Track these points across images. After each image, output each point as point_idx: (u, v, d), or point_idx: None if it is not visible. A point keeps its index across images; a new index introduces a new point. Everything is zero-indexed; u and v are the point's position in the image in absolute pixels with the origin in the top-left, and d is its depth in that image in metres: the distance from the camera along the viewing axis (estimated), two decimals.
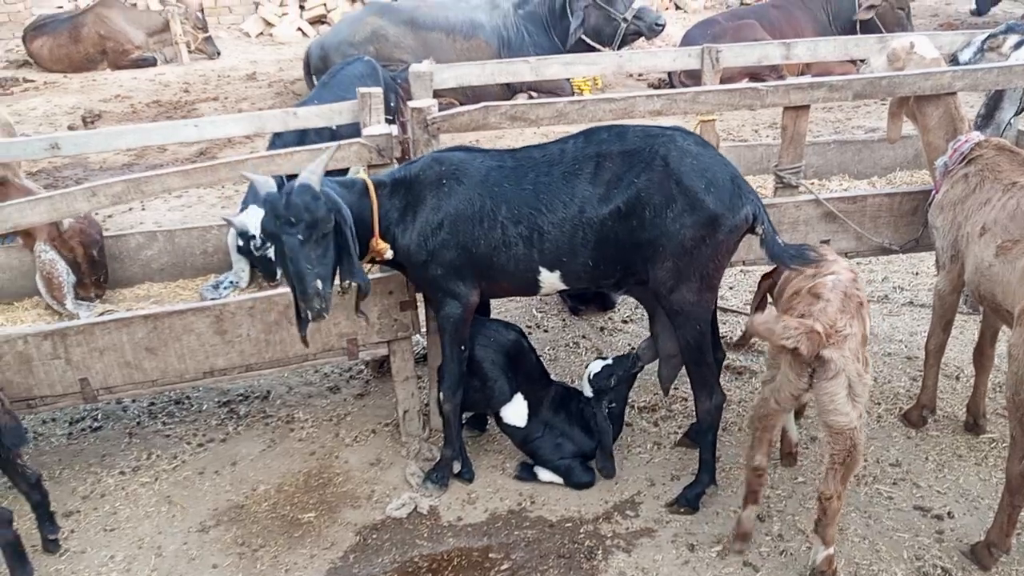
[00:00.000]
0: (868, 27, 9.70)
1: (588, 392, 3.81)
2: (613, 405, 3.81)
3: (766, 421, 3.23)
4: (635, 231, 3.31)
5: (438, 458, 3.85)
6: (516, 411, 3.81)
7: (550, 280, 3.53)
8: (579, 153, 3.42)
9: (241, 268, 4.50)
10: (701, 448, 3.67)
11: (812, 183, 4.58)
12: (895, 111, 4.09)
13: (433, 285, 3.57)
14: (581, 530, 3.57)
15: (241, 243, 4.43)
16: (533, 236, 3.41)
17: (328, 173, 4.65)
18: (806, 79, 4.28)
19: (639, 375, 3.92)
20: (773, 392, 3.16)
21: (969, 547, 3.34)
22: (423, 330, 4.30)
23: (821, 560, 3.16)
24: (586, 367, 3.89)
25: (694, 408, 4.16)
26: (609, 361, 3.83)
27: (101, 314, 4.25)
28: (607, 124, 3.59)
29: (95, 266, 4.48)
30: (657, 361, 3.92)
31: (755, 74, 8.80)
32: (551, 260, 3.45)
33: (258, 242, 4.35)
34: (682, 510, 3.61)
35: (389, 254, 3.51)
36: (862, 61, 4.60)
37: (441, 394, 3.72)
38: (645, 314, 5.25)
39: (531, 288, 3.61)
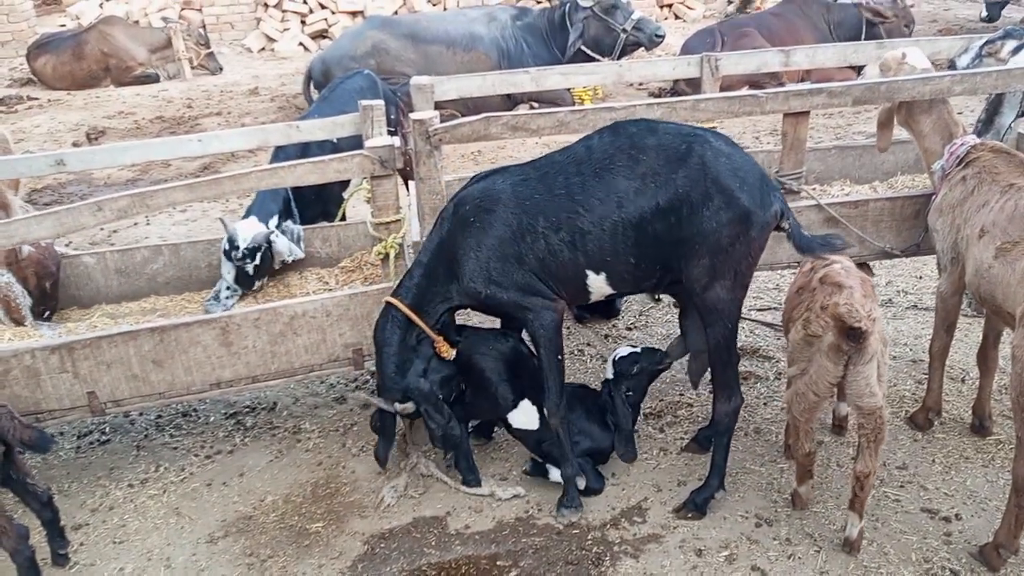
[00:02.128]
0: (872, 38, 9.72)
1: (609, 373, 3.86)
2: (631, 394, 3.84)
3: (809, 414, 3.36)
4: (673, 228, 3.33)
5: (564, 481, 3.75)
6: (525, 415, 3.82)
7: (598, 284, 3.52)
8: (609, 147, 3.41)
9: (227, 271, 4.50)
10: (714, 451, 3.68)
11: (814, 188, 4.60)
12: (883, 120, 4.12)
13: (515, 307, 3.58)
14: (588, 537, 3.57)
15: (227, 247, 4.44)
16: (575, 239, 3.41)
17: (331, 185, 4.73)
18: (805, 86, 4.31)
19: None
20: (810, 384, 3.27)
21: (977, 549, 3.35)
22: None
23: (857, 534, 3.35)
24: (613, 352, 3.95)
25: (707, 411, 4.19)
26: (638, 350, 3.87)
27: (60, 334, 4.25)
28: (632, 119, 3.62)
29: (45, 298, 4.43)
30: (682, 359, 3.95)
31: (755, 82, 8.84)
32: (597, 262, 3.45)
33: (239, 253, 4.38)
34: (690, 515, 3.62)
35: (451, 354, 3.71)
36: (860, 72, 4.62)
37: (546, 409, 3.68)
38: (649, 320, 5.28)
39: (582, 294, 3.60)
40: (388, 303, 3.66)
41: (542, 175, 3.48)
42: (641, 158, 3.35)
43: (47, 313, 4.48)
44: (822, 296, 3.23)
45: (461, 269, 3.53)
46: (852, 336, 3.07)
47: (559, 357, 3.61)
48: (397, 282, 3.82)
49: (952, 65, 4.63)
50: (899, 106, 4.05)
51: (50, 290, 4.46)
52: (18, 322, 4.26)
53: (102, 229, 6.94)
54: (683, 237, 3.33)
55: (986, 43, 4.63)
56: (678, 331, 5.13)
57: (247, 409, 4.65)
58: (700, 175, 3.29)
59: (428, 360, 3.71)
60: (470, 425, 4.05)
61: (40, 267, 4.41)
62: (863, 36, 9.80)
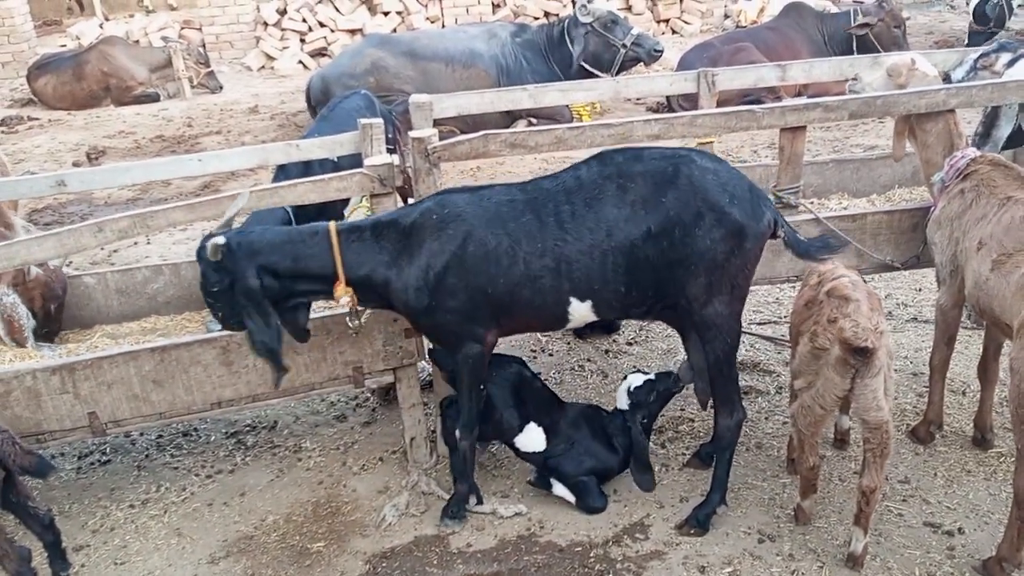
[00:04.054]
0: (864, 46, 9.78)
1: (623, 404, 3.85)
2: (645, 421, 3.84)
3: (815, 427, 3.36)
4: (666, 251, 3.32)
5: (452, 491, 3.84)
6: (531, 439, 3.82)
7: (581, 311, 3.47)
8: (597, 177, 3.39)
9: None
10: (716, 466, 3.67)
11: (811, 202, 4.61)
12: (900, 130, 4.12)
13: (443, 330, 3.54)
14: (591, 554, 3.56)
15: None
16: (561, 267, 3.36)
17: (332, 204, 4.74)
18: (801, 100, 4.33)
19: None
20: (816, 398, 3.27)
21: (980, 562, 3.33)
22: (427, 357, 4.32)
23: (862, 549, 3.34)
24: (624, 378, 3.93)
25: (709, 426, 4.18)
26: (652, 376, 3.86)
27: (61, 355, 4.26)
28: (617, 147, 3.62)
29: (49, 320, 4.46)
30: (690, 376, 3.95)
31: (751, 97, 8.87)
32: (583, 290, 3.42)
33: None
34: (692, 531, 3.61)
35: (345, 299, 3.44)
36: (853, 79, 4.63)
37: (458, 432, 3.69)
38: (650, 335, 5.28)
39: (559, 322, 3.55)
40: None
41: (530, 199, 3.43)
42: (630, 186, 3.34)
43: (48, 334, 4.49)
44: (829, 309, 3.24)
45: (400, 266, 3.42)
46: (859, 352, 3.08)
47: (479, 387, 3.64)
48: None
49: (947, 78, 4.65)
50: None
51: (54, 313, 4.48)
52: (20, 343, 4.27)
53: (102, 249, 6.95)
54: (677, 259, 3.32)
55: (981, 56, 4.65)
56: (679, 346, 5.15)
57: (248, 428, 4.65)
58: (689, 195, 3.28)
59: None
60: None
61: (47, 289, 4.42)
62: (854, 46, 9.86)
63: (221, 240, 3.26)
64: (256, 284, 3.29)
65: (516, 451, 3.91)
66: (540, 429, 3.81)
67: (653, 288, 3.43)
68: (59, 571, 3.56)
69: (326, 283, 3.42)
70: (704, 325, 3.45)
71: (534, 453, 3.85)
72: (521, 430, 3.81)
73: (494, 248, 3.36)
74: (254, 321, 3.34)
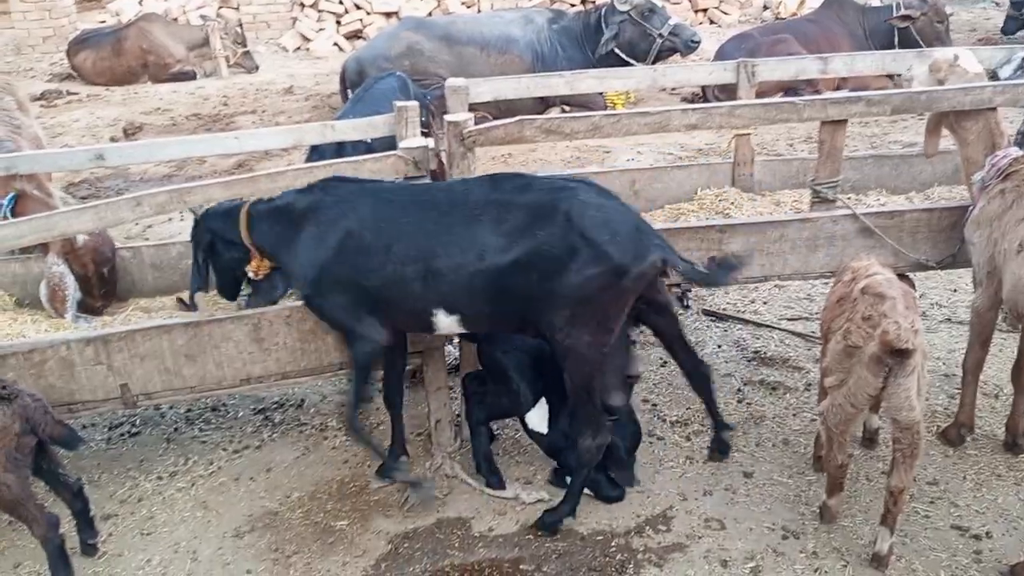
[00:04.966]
0: (906, 41, 9.61)
1: None
2: (616, 417, 3.75)
3: (845, 426, 3.33)
4: (535, 283, 3.27)
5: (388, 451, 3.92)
6: (539, 417, 3.82)
7: (447, 323, 3.48)
8: (483, 199, 3.37)
9: None
10: (572, 480, 3.66)
11: (849, 198, 4.55)
12: (932, 127, 4.06)
13: (333, 321, 3.64)
14: (612, 544, 3.56)
15: None
16: (428, 277, 3.36)
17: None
18: (843, 94, 4.27)
19: (668, 389, 3.89)
20: (848, 396, 3.23)
21: (1008, 568, 3.29)
22: (455, 340, 4.33)
23: (887, 548, 3.31)
24: None
25: (734, 420, 4.15)
26: None
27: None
28: (514, 172, 3.62)
29: (103, 282, 4.54)
30: (689, 376, 3.92)
31: (791, 89, 8.76)
32: (449, 304, 3.42)
33: None
34: (540, 533, 3.62)
35: (263, 272, 3.79)
36: (899, 76, 4.55)
37: (345, 419, 3.78)
38: None
39: (427, 328, 3.57)
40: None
41: (414, 202, 3.45)
42: (508, 217, 3.30)
43: (100, 305, 4.56)
44: (863, 306, 3.20)
45: (290, 250, 3.58)
46: (899, 354, 3.04)
47: (367, 383, 3.71)
48: None
49: (994, 76, 4.55)
50: (948, 111, 3.99)
51: (108, 275, 4.56)
52: (59, 313, 4.34)
53: (137, 224, 7.03)
54: (546, 291, 3.26)
55: None
56: (706, 335, 5.12)
57: (275, 405, 4.69)
58: (566, 230, 3.22)
59: None
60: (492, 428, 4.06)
61: (97, 254, 4.50)
62: (896, 40, 9.69)
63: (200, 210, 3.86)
64: (203, 241, 3.87)
65: (525, 428, 3.91)
66: (547, 408, 3.80)
67: (519, 313, 3.40)
68: (87, 539, 3.63)
69: (246, 254, 3.77)
70: (563, 353, 3.39)
71: (540, 434, 3.85)
72: (534, 405, 3.80)
73: (370, 243, 3.40)
74: (193, 267, 3.96)
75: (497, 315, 3.46)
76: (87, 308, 4.52)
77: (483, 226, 3.32)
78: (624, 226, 3.28)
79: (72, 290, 4.34)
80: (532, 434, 3.91)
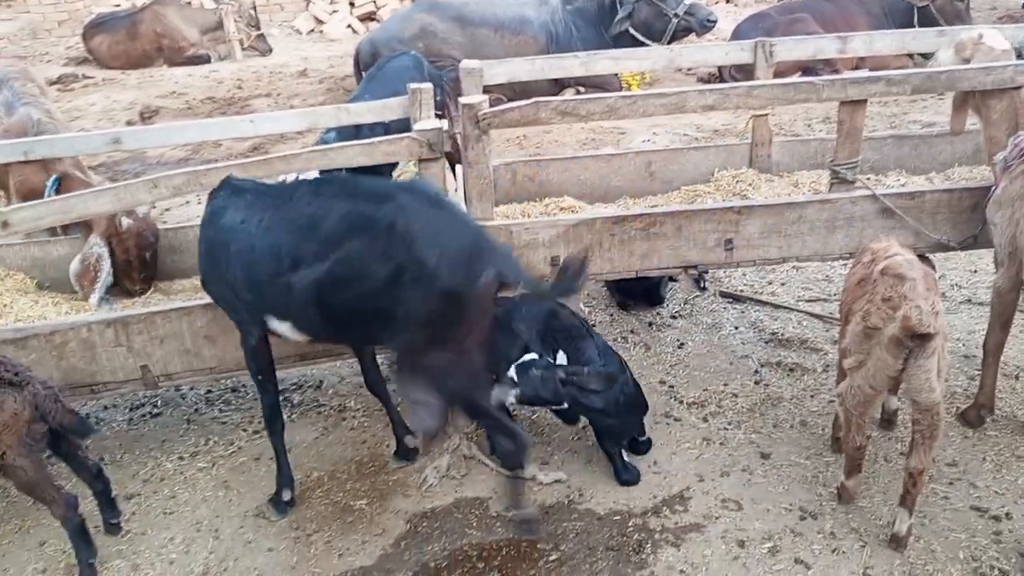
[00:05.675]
0: (925, 19, 9.48)
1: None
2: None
3: (864, 407, 3.32)
4: (358, 300, 3.04)
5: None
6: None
7: (284, 329, 3.37)
8: (305, 203, 3.17)
9: None
10: (512, 482, 3.50)
11: (868, 178, 4.51)
12: (959, 105, 4.02)
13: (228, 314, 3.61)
14: (630, 523, 3.57)
15: None
16: (252, 285, 3.25)
17: (377, 168, 4.78)
18: (863, 73, 4.22)
19: (685, 371, 3.86)
20: (867, 378, 3.23)
21: None
22: None
23: (906, 530, 3.30)
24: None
25: (752, 402, 4.15)
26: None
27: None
28: (340, 176, 3.38)
29: (144, 266, 4.59)
30: (702, 358, 3.91)
31: (808, 69, 8.68)
32: (278, 311, 3.30)
33: None
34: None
35: None
36: (922, 56, 4.50)
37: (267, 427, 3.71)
38: (695, 309, 5.24)
39: (272, 331, 3.47)
40: None
41: (253, 204, 3.31)
42: (324, 224, 3.06)
43: (139, 288, 4.60)
44: (883, 288, 3.18)
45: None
46: (920, 337, 3.02)
47: (259, 377, 3.61)
48: None
49: (1019, 54, 4.48)
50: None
51: (150, 260, 4.61)
52: (85, 295, 4.38)
53: (155, 207, 7.07)
54: (373, 309, 3.04)
55: None
56: (724, 320, 5.11)
57: (294, 386, 4.72)
58: (388, 246, 2.95)
59: None
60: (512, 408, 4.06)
61: (140, 239, 4.54)
62: (915, 20, 9.57)
63: None
64: None
65: None
66: (566, 357, 3.79)
67: (359, 329, 3.21)
68: (110, 518, 3.68)
69: None
70: (426, 374, 3.13)
71: None
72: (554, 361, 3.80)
73: (222, 245, 3.36)
74: None
75: (334, 328, 3.26)
76: (127, 292, 4.57)
77: (299, 234, 3.10)
78: (455, 244, 2.97)
79: (105, 274, 4.38)
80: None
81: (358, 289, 3.01)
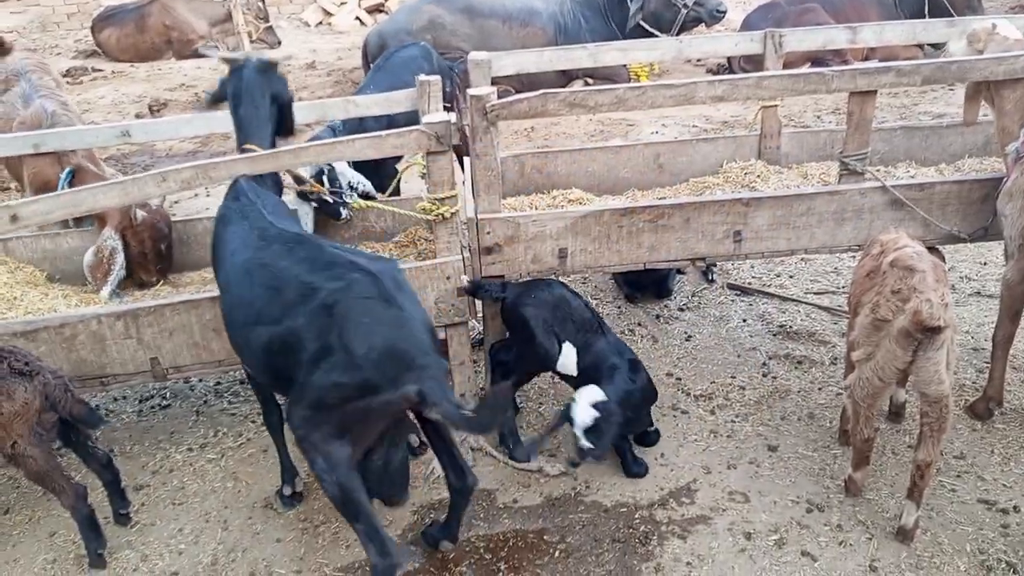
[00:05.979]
0: (936, 9, 9.41)
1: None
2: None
3: (872, 399, 3.32)
4: (287, 367, 3.04)
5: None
6: (567, 359, 3.83)
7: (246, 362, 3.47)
8: (280, 256, 3.19)
9: (305, 213, 4.52)
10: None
11: (878, 170, 4.48)
12: (972, 94, 3.99)
13: None
14: (636, 515, 3.58)
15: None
16: (230, 310, 3.35)
17: (385, 161, 4.79)
18: (873, 64, 4.20)
19: (693, 363, 3.83)
20: (876, 370, 3.22)
21: None
22: (479, 315, 4.34)
23: (913, 522, 3.30)
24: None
25: (759, 395, 4.14)
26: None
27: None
28: (315, 240, 3.31)
29: (160, 258, 4.62)
30: (709, 350, 3.89)
31: (818, 59, 8.62)
32: (239, 348, 3.37)
33: (307, 186, 4.41)
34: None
35: None
36: (932, 46, 4.47)
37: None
38: (702, 301, 5.23)
39: None
40: None
41: (253, 229, 3.35)
42: (285, 289, 3.07)
43: (155, 279, 4.63)
44: (893, 280, 3.17)
45: None
46: (930, 331, 3.01)
47: (259, 392, 3.73)
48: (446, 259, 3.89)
49: None
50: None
51: (165, 251, 4.63)
52: (96, 287, 4.40)
53: (164, 200, 7.08)
54: (298, 378, 2.99)
55: None
56: (730, 312, 5.09)
57: None
58: (325, 326, 2.90)
59: None
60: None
61: (154, 231, 4.57)
62: (926, 10, 9.50)
63: None
64: None
65: (557, 374, 3.94)
66: (573, 350, 3.81)
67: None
68: (119, 509, 3.71)
69: None
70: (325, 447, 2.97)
71: (570, 378, 3.87)
72: (560, 354, 3.82)
73: (220, 259, 3.47)
74: None
75: (277, 381, 3.29)
76: (140, 284, 4.60)
77: (265, 287, 3.15)
78: (390, 342, 2.88)
79: (118, 267, 4.40)
80: (565, 378, 3.94)
81: (293, 357, 3.00)
